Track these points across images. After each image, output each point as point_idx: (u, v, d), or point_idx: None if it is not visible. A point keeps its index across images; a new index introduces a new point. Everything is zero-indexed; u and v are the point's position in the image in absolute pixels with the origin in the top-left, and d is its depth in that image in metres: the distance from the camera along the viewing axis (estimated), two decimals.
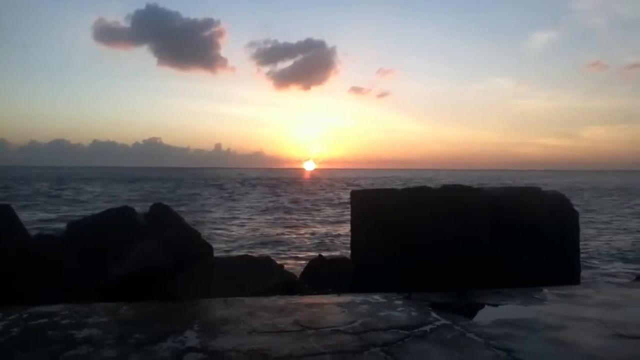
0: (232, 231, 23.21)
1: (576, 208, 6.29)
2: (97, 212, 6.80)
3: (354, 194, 6.22)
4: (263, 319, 3.89)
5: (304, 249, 18.47)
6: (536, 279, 5.24)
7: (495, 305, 4.49)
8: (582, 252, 6.72)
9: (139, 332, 3.54)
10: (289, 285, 6.46)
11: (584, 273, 6.64)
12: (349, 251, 6.40)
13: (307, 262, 8.64)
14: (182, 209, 29.78)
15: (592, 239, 20.04)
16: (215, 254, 7.23)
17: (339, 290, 5.46)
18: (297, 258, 15.69)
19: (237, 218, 29.31)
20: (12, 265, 5.41)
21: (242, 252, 15.15)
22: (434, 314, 4.08)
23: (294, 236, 22.08)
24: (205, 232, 16.83)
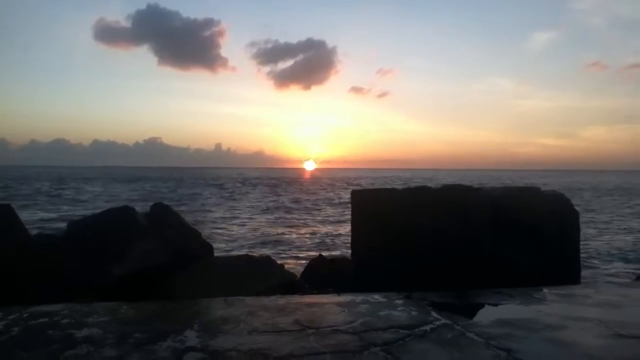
0: (233, 231, 23.21)
1: (576, 208, 6.28)
2: (97, 211, 6.81)
3: (354, 193, 6.22)
4: (263, 319, 3.89)
5: (304, 248, 18.47)
6: (536, 279, 5.24)
7: (496, 305, 4.49)
8: (583, 252, 6.72)
9: (139, 332, 3.54)
10: (289, 284, 6.47)
11: (584, 273, 6.64)
12: (350, 251, 6.40)
13: (308, 261, 8.64)
14: (182, 208, 29.79)
15: (592, 238, 20.03)
16: (216, 254, 7.24)
17: (339, 290, 5.46)
18: (297, 258, 15.69)
19: (238, 217, 29.30)
20: (12, 264, 5.42)
21: (242, 252, 15.16)
22: (434, 314, 4.07)
23: (295, 236, 22.08)
24: (205, 231, 16.83)
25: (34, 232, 6.47)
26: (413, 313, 4.10)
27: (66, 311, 4.06)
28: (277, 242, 19.85)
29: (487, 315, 4.16)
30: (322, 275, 7.47)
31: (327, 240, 20.78)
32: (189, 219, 8.00)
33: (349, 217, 6.29)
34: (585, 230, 20.21)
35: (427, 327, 3.71)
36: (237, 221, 27.36)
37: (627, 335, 3.55)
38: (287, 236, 21.77)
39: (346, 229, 18.50)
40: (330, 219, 29.59)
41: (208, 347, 3.24)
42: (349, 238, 6.31)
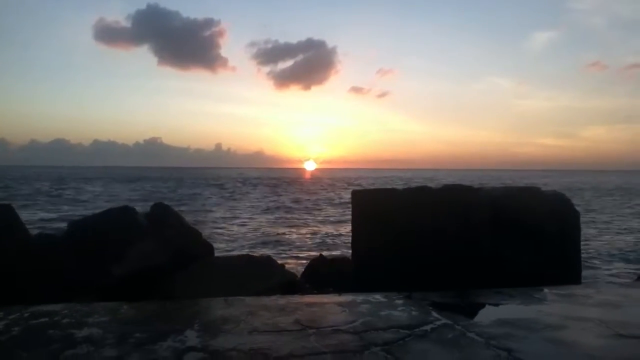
0: (233, 231, 23.21)
1: (577, 208, 6.28)
2: (97, 211, 6.81)
3: (354, 193, 6.22)
4: (264, 319, 3.89)
5: (304, 248, 18.47)
6: (537, 279, 5.24)
7: (496, 305, 4.49)
8: (583, 252, 6.71)
9: (140, 332, 3.54)
10: (289, 284, 6.47)
11: (584, 273, 6.64)
12: (350, 251, 6.40)
13: (308, 261, 8.64)
14: (183, 208, 29.80)
15: (593, 238, 20.03)
16: (216, 254, 7.24)
17: (339, 290, 5.46)
18: (298, 257, 15.70)
19: (238, 217, 29.31)
20: (12, 264, 5.42)
21: (243, 252, 15.16)
22: (434, 314, 4.07)
23: (295, 236, 22.08)
24: (206, 231, 16.84)
25: (34, 232, 6.47)
26: (413, 313, 4.10)
27: (66, 311, 4.06)
28: (278, 242, 19.86)
29: (487, 315, 4.16)
30: (323, 275, 7.47)
31: (328, 240, 20.79)
32: (189, 219, 8.00)
33: (350, 217, 6.28)
34: (586, 230, 20.20)
35: (428, 327, 3.71)
36: (237, 221, 27.36)
37: (627, 335, 3.55)
38: (287, 236, 21.78)
39: (347, 228, 18.51)
40: (331, 218, 29.59)
41: (208, 347, 3.24)
42: (350, 238, 6.31)
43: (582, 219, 6.44)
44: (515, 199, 6.00)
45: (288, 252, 17.28)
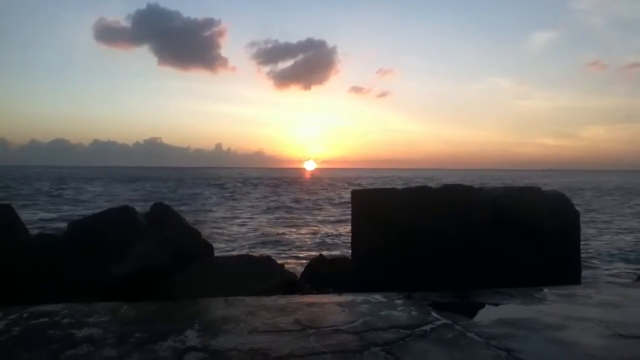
0: (233, 230, 23.21)
1: (577, 208, 6.28)
2: (97, 211, 6.81)
3: (354, 193, 6.22)
4: (264, 319, 3.89)
5: (304, 248, 18.47)
6: (537, 279, 5.24)
7: (496, 304, 4.49)
8: (583, 252, 6.72)
9: (140, 332, 3.54)
10: (289, 284, 6.47)
11: (585, 273, 6.64)
12: (350, 251, 6.40)
13: (308, 261, 8.64)
14: (183, 208, 29.80)
15: (593, 238, 20.02)
16: (217, 254, 7.24)
17: (339, 290, 5.46)
18: (298, 257, 15.70)
19: (238, 217, 29.31)
20: (12, 264, 5.42)
21: (243, 252, 15.17)
22: (434, 314, 4.07)
23: (295, 235, 22.08)
24: (206, 231, 16.86)
25: (34, 232, 6.48)
26: (413, 313, 4.10)
27: (66, 311, 4.06)
28: (278, 242, 19.86)
29: (487, 315, 4.16)
30: (323, 275, 7.47)
31: (328, 240, 20.79)
32: (189, 219, 8.01)
33: (349, 216, 6.28)
34: (586, 230, 20.21)
35: (428, 327, 3.71)
36: (237, 221, 27.37)
37: (627, 335, 3.55)
38: (287, 236, 21.78)
39: (346, 228, 18.51)
40: (331, 218, 29.59)
41: (209, 347, 3.24)
42: (349, 238, 6.31)
43: (582, 219, 6.44)
44: (516, 199, 6.00)
45: (288, 252, 17.28)
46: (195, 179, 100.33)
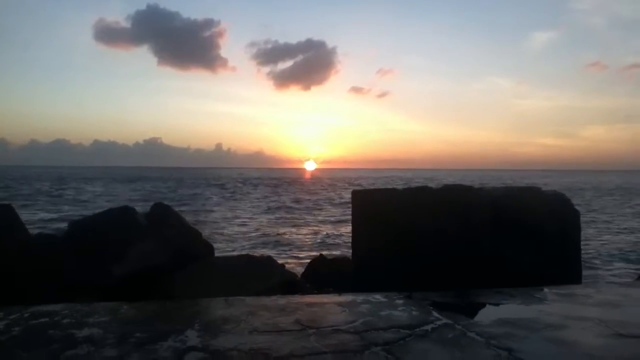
0: (234, 231, 23.22)
1: (577, 208, 6.28)
2: (98, 211, 6.82)
3: (355, 193, 6.22)
4: (264, 319, 3.89)
5: (305, 248, 18.48)
6: (537, 279, 5.24)
7: (496, 304, 4.49)
8: (583, 252, 6.71)
9: (140, 332, 3.54)
10: (290, 284, 6.47)
11: (585, 273, 6.64)
12: (350, 251, 6.40)
13: (309, 261, 8.65)
14: (183, 208, 29.82)
15: (593, 238, 20.03)
16: (217, 254, 7.24)
17: (339, 290, 5.46)
18: (298, 257, 15.71)
19: (239, 217, 29.32)
20: (13, 264, 5.42)
21: (243, 252, 15.17)
22: (435, 314, 4.07)
23: (296, 236, 22.09)
24: (207, 231, 16.86)
25: (35, 232, 6.48)
26: (414, 313, 4.10)
27: (67, 311, 4.06)
28: (278, 242, 19.87)
29: (488, 315, 4.16)
30: (323, 275, 7.47)
31: (328, 240, 20.80)
32: (190, 219, 8.02)
33: (350, 217, 6.28)
34: (586, 230, 20.21)
35: (428, 327, 3.71)
36: (238, 221, 27.38)
37: (627, 334, 3.55)
38: (288, 236, 21.79)
39: (347, 228, 18.51)
40: (331, 218, 29.61)
41: (209, 347, 3.24)
42: (350, 238, 6.31)
43: (582, 219, 6.44)
44: (516, 199, 6.00)
45: (288, 252, 17.29)
46: (196, 179, 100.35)
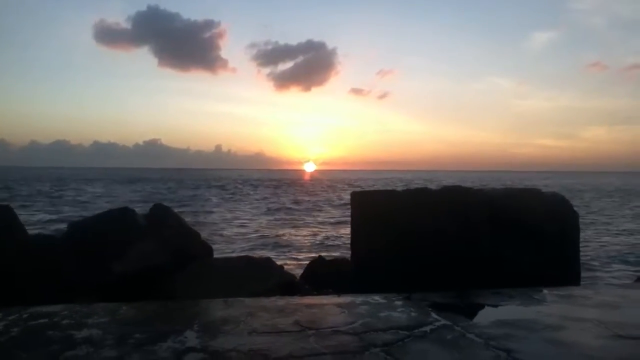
0: (234, 232, 23.22)
1: (576, 209, 6.29)
2: (98, 212, 6.82)
3: (354, 195, 6.23)
4: (263, 320, 3.89)
5: (304, 249, 18.48)
6: (536, 280, 5.24)
7: (495, 305, 4.49)
8: (582, 254, 6.72)
9: (139, 332, 3.55)
10: (289, 285, 6.47)
11: (584, 274, 6.65)
12: (349, 252, 6.40)
13: (308, 262, 8.65)
14: (183, 209, 29.83)
15: (592, 240, 20.03)
16: (216, 255, 7.24)
17: (339, 291, 5.46)
18: (297, 259, 15.71)
19: (239, 219, 29.33)
20: (12, 265, 5.43)
21: (243, 253, 15.17)
22: (434, 315, 4.07)
23: (295, 237, 22.09)
24: (206, 232, 16.87)
25: (34, 233, 6.48)
26: (413, 314, 4.10)
27: (66, 312, 4.06)
28: (278, 244, 19.87)
29: (487, 315, 4.17)
30: (322, 276, 7.47)
31: (328, 241, 20.80)
32: (189, 220, 8.02)
33: (349, 218, 6.29)
34: (585, 232, 20.22)
35: (427, 328, 3.71)
36: (237, 222, 27.38)
37: (625, 336, 3.56)
38: (287, 237, 21.79)
39: (346, 230, 18.53)
40: (331, 220, 29.61)
41: (208, 348, 3.24)
42: (349, 239, 6.31)
43: (581, 221, 6.45)
44: (516, 200, 6.01)
45: (288, 254, 17.29)
46: (196, 180, 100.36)
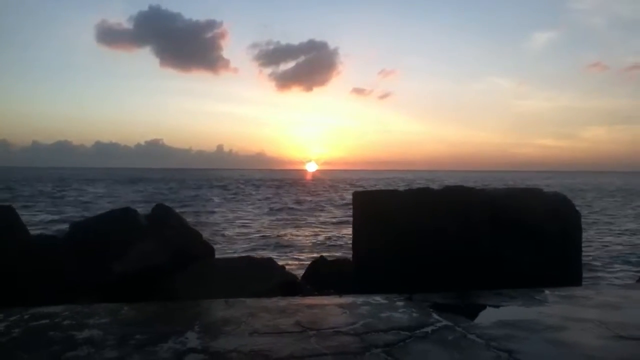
0: (235, 232, 23.24)
1: (578, 209, 6.28)
2: (99, 213, 6.83)
3: (356, 195, 6.22)
4: (264, 320, 3.89)
5: (306, 250, 18.49)
6: (537, 280, 5.23)
7: (496, 306, 4.49)
8: (584, 254, 6.71)
9: (140, 333, 3.55)
10: (290, 286, 6.47)
11: (585, 275, 6.64)
12: (351, 252, 6.40)
13: (309, 263, 8.65)
14: (185, 210, 29.85)
15: (594, 240, 20.01)
16: (218, 255, 7.25)
17: (340, 291, 5.46)
18: (299, 259, 15.72)
19: (241, 219, 29.34)
20: (13, 265, 5.43)
21: (244, 253, 15.18)
22: (435, 315, 4.07)
23: (297, 237, 22.10)
24: (208, 233, 16.89)
25: (36, 233, 6.49)
26: (414, 314, 4.10)
27: (67, 312, 4.06)
28: (279, 244, 19.89)
29: (488, 316, 4.16)
30: (324, 276, 7.47)
31: (329, 241, 20.81)
32: (191, 220, 8.03)
33: (351, 218, 6.29)
34: (587, 232, 20.18)
35: (428, 329, 3.71)
36: (239, 222, 27.41)
37: (627, 336, 3.55)
38: (289, 237, 21.80)
39: (348, 230, 18.53)
40: (333, 220, 29.63)
41: (209, 349, 3.24)
42: (351, 239, 6.31)
43: (583, 220, 6.43)
44: (516, 199, 6.00)
45: (289, 254, 17.30)
46: (197, 181, 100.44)
